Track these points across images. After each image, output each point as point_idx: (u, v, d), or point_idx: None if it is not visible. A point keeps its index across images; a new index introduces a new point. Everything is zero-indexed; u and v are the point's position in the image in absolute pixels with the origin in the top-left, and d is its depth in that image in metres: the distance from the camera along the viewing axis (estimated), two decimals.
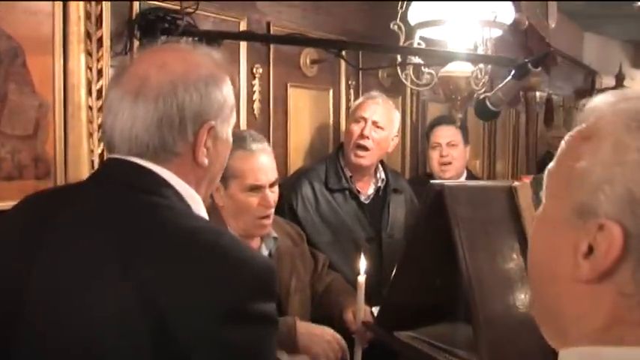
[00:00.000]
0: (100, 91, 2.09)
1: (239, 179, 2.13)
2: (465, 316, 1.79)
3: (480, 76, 2.20)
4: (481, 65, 2.24)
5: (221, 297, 1.02)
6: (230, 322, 1.01)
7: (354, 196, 2.80)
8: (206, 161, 1.22)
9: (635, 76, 8.61)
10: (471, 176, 3.46)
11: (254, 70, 2.78)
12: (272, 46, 2.85)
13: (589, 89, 7.46)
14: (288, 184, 2.71)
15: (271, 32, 2.84)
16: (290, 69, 3.00)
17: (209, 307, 1.00)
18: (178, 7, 2.28)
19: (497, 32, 2.24)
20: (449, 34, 2.31)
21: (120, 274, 1.03)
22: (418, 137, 3.94)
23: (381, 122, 2.79)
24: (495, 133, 4.88)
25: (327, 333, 2.14)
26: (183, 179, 1.20)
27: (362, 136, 2.76)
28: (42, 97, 1.97)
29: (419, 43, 2.32)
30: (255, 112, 2.81)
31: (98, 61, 2.10)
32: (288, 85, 2.99)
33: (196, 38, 2.24)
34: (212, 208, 2.05)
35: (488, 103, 1.89)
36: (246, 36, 2.58)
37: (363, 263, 2.14)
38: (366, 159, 2.78)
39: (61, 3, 1.99)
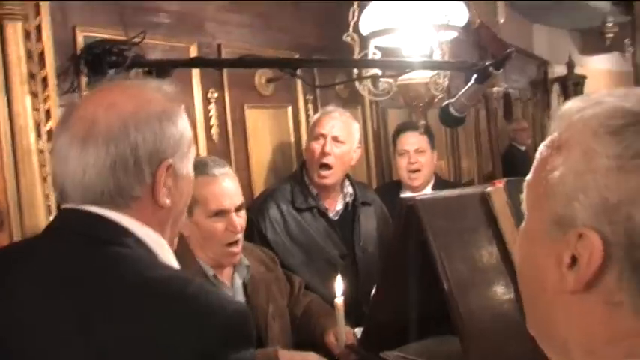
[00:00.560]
0: (50, 133, 2.00)
1: (202, 205, 2.07)
2: (450, 328, 1.75)
3: (439, 80, 2.17)
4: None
5: (189, 349, 0.95)
6: None
7: (323, 213, 2.74)
8: (168, 201, 1.16)
9: (585, 63, 8.78)
10: (439, 181, 3.42)
11: (209, 95, 2.71)
12: (225, 69, 2.79)
13: (542, 79, 7.57)
14: (255, 209, 2.65)
15: (223, 55, 2.78)
16: (245, 90, 2.93)
17: None
18: (125, 38, 2.19)
19: (452, 34, 2.22)
20: (403, 41, 2.28)
21: (77, 334, 0.97)
22: (381, 145, 3.90)
23: (341, 137, 2.73)
24: (457, 132, 4.88)
25: (311, 358, 2.08)
26: (146, 224, 1.14)
27: (323, 153, 2.69)
28: None
29: (374, 53, 2.29)
30: (214, 137, 2.74)
31: (45, 101, 2.01)
32: (245, 106, 2.92)
33: (146, 69, 2.16)
34: (179, 239, 1.98)
35: (452, 109, 1.85)
36: (198, 62, 2.51)
37: (339, 284, 2.09)
38: (330, 178, 2.72)
39: None
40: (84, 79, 2.16)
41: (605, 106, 0.74)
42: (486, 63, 1.63)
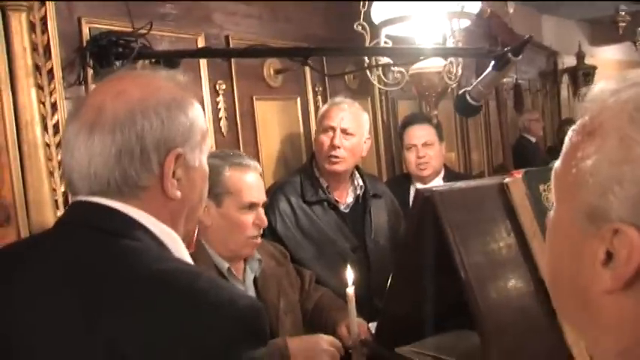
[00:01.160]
0: (56, 126, 1.97)
1: (236, 197, 2.04)
2: (468, 322, 1.70)
3: (452, 69, 2.12)
4: (452, 58, 2.17)
5: (198, 345, 0.91)
6: None
7: (333, 206, 2.70)
8: (178, 193, 1.11)
9: (595, 53, 8.69)
10: (448, 172, 3.36)
11: (217, 87, 2.67)
12: (233, 60, 2.74)
13: (552, 70, 7.49)
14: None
15: (231, 45, 2.73)
16: (254, 81, 2.89)
17: (186, 358, 0.91)
18: (131, 30, 2.15)
19: (466, 23, 2.16)
20: (416, 29, 2.22)
21: (85, 330, 0.93)
22: (391, 136, 3.85)
23: (351, 128, 2.68)
24: (467, 123, 4.83)
25: (321, 342, 2.05)
26: (156, 216, 1.09)
27: (332, 146, 2.64)
28: None
29: (385, 42, 2.24)
30: (223, 129, 2.70)
31: (51, 94, 1.98)
32: (254, 98, 2.88)
33: (153, 60, 2.12)
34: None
35: (468, 97, 1.80)
36: (206, 52, 2.46)
37: (350, 274, 2.05)
38: (340, 165, 2.67)
39: (2, 36, 1.86)
40: (90, 72, 2.13)
41: None
42: (505, 49, 1.57)
